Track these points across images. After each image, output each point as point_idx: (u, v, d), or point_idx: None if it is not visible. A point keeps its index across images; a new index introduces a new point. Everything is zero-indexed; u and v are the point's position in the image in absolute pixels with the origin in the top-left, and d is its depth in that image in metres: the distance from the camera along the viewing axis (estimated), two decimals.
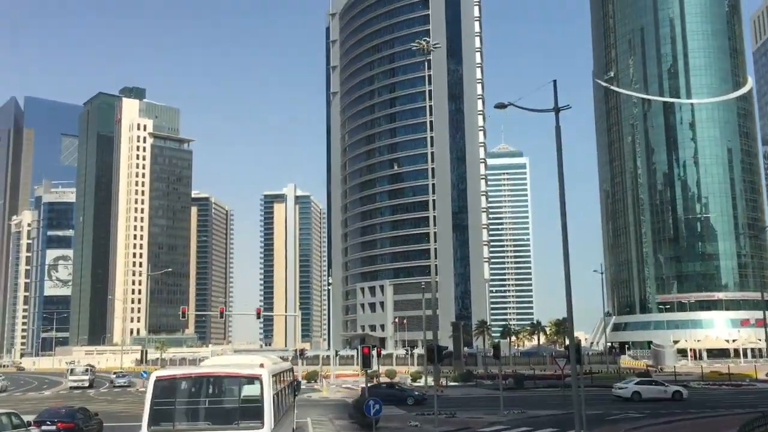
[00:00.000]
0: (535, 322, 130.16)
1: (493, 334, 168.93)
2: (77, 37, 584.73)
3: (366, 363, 33.32)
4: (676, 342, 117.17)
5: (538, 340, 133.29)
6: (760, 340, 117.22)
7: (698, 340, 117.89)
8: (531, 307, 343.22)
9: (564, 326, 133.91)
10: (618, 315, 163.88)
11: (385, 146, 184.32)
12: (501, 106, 26.06)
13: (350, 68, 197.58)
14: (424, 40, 57.36)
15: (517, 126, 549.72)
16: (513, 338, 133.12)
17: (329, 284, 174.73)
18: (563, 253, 24.68)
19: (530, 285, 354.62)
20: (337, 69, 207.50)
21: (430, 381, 60.63)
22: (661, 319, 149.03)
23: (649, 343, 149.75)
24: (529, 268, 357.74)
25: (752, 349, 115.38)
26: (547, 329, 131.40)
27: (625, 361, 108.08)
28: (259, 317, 70.50)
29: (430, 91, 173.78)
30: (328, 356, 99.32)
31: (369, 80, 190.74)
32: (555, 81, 25.22)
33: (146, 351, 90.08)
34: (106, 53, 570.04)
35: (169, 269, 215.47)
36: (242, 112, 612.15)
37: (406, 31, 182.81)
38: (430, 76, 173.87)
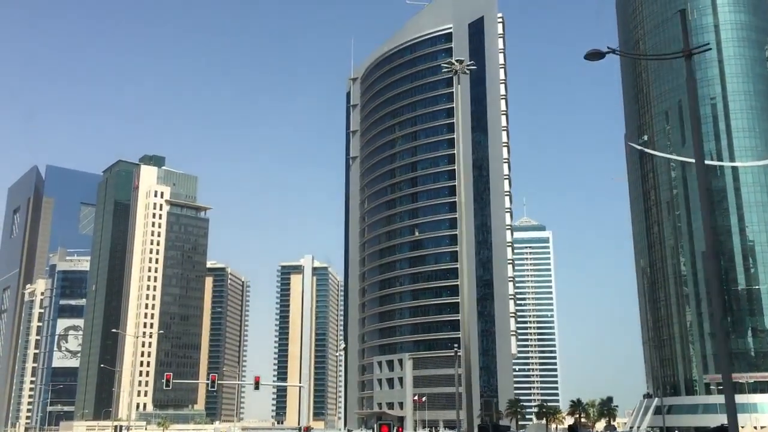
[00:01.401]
0: (575, 400, 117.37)
1: (526, 414, 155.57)
2: (100, 104, 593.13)
3: None
4: (742, 427, 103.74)
5: (579, 421, 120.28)
6: None
7: (763, 427, 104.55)
8: (556, 386, 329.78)
9: (609, 406, 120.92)
10: (662, 396, 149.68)
11: (406, 212, 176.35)
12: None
13: (370, 132, 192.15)
14: (457, 61, 48.96)
15: (538, 199, 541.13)
16: (547, 419, 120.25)
17: (340, 355, 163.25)
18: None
19: (555, 363, 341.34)
20: (357, 133, 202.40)
21: None
22: (710, 402, 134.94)
23: (698, 429, 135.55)
24: (554, 345, 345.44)
25: None
26: (590, 410, 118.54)
27: None
28: (257, 387, 60.98)
29: (452, 154, 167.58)
30: None
31: (390, 144, 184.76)
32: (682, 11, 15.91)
33: (121, 428, 79.06)
34: (128, 120, 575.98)
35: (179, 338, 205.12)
36: (261, 179, 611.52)
37: (428, 94, 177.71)
38: (452, 139, 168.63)
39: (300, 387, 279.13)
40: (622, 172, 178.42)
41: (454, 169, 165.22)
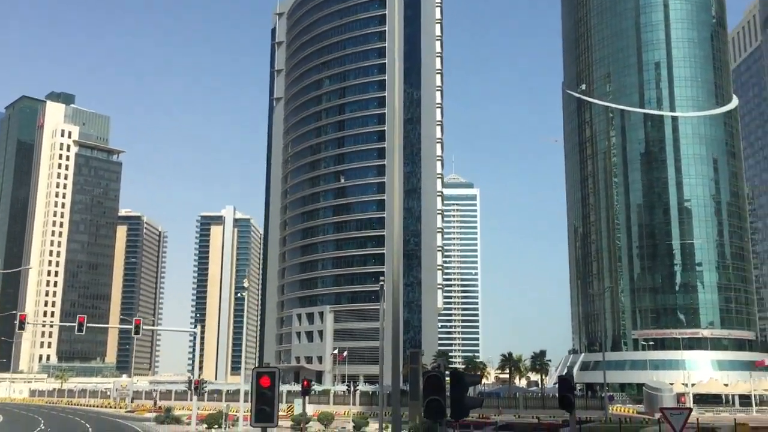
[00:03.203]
0: (506, 354, 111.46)
1: (452, 368, 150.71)
2: (3, 38, 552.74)
3: None
4: (671, 384, 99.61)
5: (510, 376, 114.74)
6: None
7: (693, 384, 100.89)
8: (477, 342, 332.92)
9: (541, 360, 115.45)
10: (587, 352, 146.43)
11: (332, 157, 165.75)
12: None
13: (296, 72, 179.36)
14: None
15: (468, 156, 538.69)
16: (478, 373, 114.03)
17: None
18: None
19: (477, 319, 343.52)
20: (282, 73, 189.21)
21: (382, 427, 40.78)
22: (638, 358, 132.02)
23: (623, 385, 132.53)
24: (476, 301, 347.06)
25: (753, 397, 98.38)
26: (521, 365, 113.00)
27: (614, 407, 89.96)
28: (137, 332, 50.57)
29: (382, 97, 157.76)
30: (240, 391, 77.47)
31: (316, 85, 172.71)
32: None
33: None
34: (35, 56, 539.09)
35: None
36: (180, 124, 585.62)
37: (360, 32, 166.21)
38: (383, 81, 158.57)
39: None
40: (559, 127, 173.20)
41: (384, 113, 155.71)
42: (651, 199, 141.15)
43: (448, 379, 14.77)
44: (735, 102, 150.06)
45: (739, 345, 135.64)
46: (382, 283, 57.87)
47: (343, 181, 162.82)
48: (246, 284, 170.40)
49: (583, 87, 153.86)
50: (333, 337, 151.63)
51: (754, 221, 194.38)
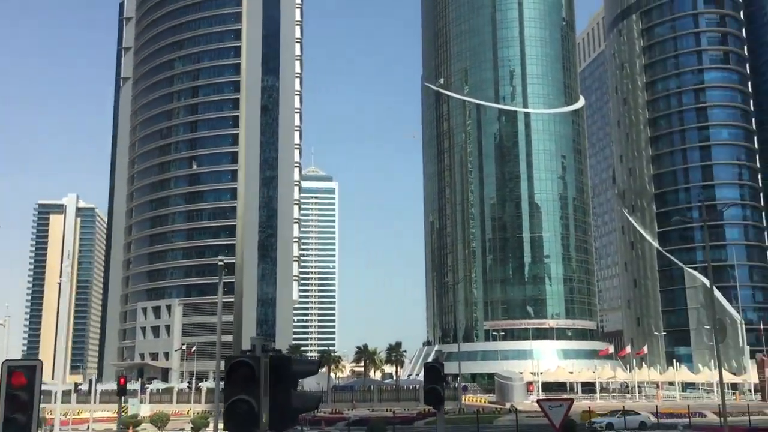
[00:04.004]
0: (361, 346, 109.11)
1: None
2: None
3: None
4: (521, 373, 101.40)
5: (366, 369, 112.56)
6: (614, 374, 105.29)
7: (541, 373, 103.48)
8: (334, 335, 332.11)
9: (397, 352, 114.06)
10: (441, 344, 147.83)
11: (184, 142, 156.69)
12: None
13: (146, 50, 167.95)
14: None
15: (328, 149, 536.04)
16: (329, 367, 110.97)
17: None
18: None
19: (334, 312, 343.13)
20: (131, 51, 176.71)
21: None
22: (490, 348, 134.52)
23: (474, 375, 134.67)
24: (334, 294, 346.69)
25: (601, 384, 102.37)
26: (376, 357, 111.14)
27: (469, 398, 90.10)
28: None
29: (238, 81, 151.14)
30: (72, 391, 69.83)
31: (168, 65, 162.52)
32: None
33: None
34: None
35: None
36: (19, 104, 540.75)
37: (216, 11, 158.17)
38: (240, 64, 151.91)
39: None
40: (418, 121, 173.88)
41: (239, 98, 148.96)
42: (504, 192, 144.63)
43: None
44: (582, 102, 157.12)
45: (583, 334, 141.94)
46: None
47: (195, 167, 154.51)
48: (66, 273, 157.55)
49: (442, 81, 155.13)
50: (181, 331, 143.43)
51: (594, 218, 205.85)
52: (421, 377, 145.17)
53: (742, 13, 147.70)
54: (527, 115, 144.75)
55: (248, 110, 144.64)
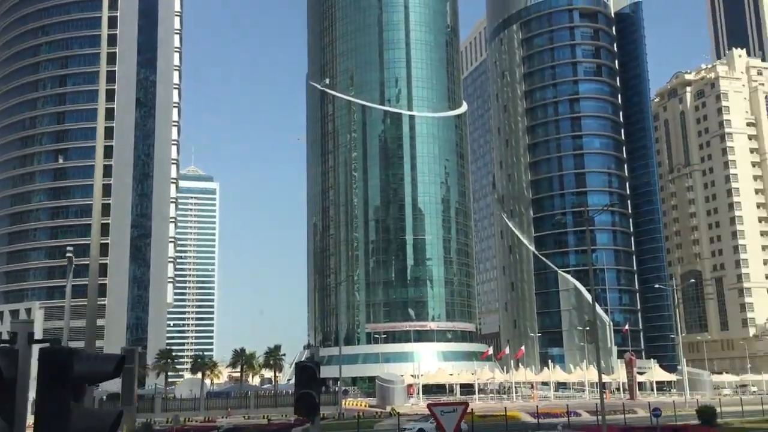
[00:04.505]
0: (239, 349, 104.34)
1: (178, 368, 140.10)
2: None
3: None
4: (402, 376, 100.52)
5: (242, 373, 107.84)
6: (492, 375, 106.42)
7: (421, 375, 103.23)
8: (212, 339, 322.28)
9: (276, 356, 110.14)
10: (322, 347, 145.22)
11: (50, 134, 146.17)
12: None
13: (8, 34, 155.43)
14: None
15: (210, 149, 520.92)
16: (203, 373, 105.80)
17: None
18: None
19: (212, 316, 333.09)
20: None
21: None
22: (371, 351, 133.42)
23: (355, 379, 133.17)
24: (212, 298, 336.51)
25: (477, 385, 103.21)
26: (254, 361, 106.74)
27: (348, 402, 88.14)
28: None
29: (112, 71, 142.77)
30: None
31: (33, 50, 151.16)
32: None
33: None
34: None
35: None
36: None
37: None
38: (113, 54, 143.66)
39: None
40: (304, 121, 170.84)
41: (114, 89, 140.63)
42: (388, 194, 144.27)
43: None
44: (465, 107, 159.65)
45: (462, 337, 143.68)
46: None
47: (62, 161, 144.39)
48: None
49: (327, 81, 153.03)
50: (43, 337, 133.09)
51: (475, 222, 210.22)
52: None
53: (614, 28, 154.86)
54: (412, 118, 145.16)
55: (121, 102, 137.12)
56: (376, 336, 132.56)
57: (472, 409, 62.47)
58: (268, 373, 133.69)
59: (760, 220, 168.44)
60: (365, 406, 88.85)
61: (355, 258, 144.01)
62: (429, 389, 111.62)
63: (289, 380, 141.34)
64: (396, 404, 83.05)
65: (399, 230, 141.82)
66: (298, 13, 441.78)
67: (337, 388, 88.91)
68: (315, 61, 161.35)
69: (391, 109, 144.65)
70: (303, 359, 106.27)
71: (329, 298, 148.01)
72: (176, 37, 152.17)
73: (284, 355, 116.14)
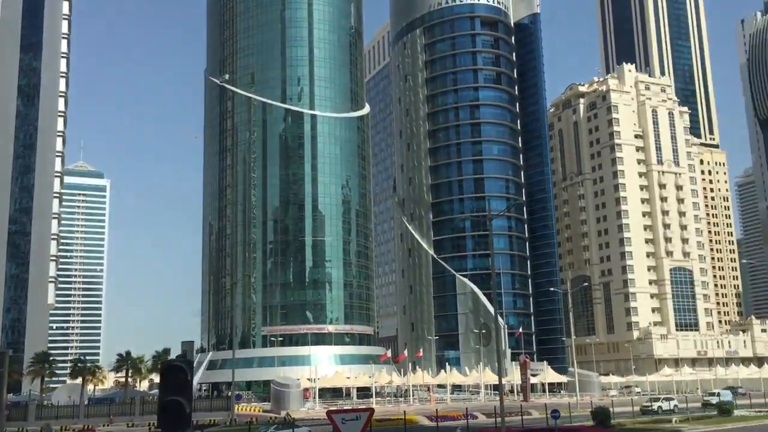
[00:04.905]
0: (124, 353, 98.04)
1: (59, 373, 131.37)
2: None
3: None
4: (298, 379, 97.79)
5: (127, 378, 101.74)
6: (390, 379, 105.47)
7: (318, 378, 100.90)
8: (98, 343, 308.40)
9: (165, 359, 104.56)
10: (215, 351, 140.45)
11: None
12: None
13: None
14: None
15: (98, 143, 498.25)
16: (83, 378, 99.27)
17: None
18: None
19: (99, 318, 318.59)
20: None
21: None
22: (267, 354, 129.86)
23: (250, 383, 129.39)
24: (100, 299, 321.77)
25: (375, 389, 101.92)
26: (141, 365, 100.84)
27: (241, 407, 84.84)
28: None
29: None
30: None
31: None
32: None
33: None
34: None
35: None
36: None
37: None
38: None
39: None
40: (202, 117, 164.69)
41: None
42: (287, 194, 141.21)
43: None
44: (368, 108, 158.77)
45: (360, 340, 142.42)
46: None
47: None
48: None
49: (227, 76, 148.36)
50: None
51: (375, 226, 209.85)
52: (193, 387, 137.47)
53: (513, 38, 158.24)
54: (314, 117, 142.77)
55: (1, 90, 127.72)
56: (273, 339, 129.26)
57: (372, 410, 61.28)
58: (157, 378, 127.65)
59: (645, 228, 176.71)
60: (259, 411, 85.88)
61: (253, 259, 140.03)
62: (326, 393, 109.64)
63: None
64: (291, 409, 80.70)
65: (298, 231, 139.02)
66: (197, 4, 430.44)
67: (229, 393, 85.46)
68: (214, 56, 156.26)
69: (292, 108, 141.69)
70: (194, 365, 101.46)
71: (225, 300, 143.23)
72: (64, 23, 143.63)
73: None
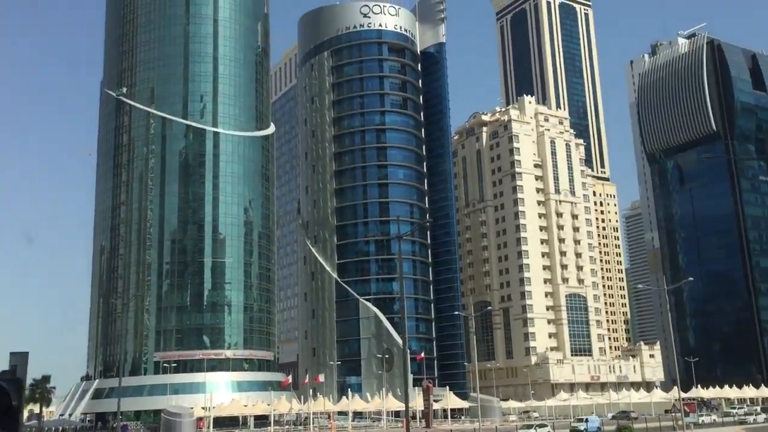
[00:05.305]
0: None
1: None
2: None
3: None
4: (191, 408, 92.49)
5: None
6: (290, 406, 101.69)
7: (213, 407, 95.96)
8: None
9: (43, 388, 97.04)
10: (103, 378, 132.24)
11: None
12: None
13: None
14: None
15: None
16: None
17: None
18: None
19: None
20: None
21: None
22: (158, 382, 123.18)
23: (139, 413, 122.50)
24: None
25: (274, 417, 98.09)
26: None
27: None
28: None
29: None
30: None
31: None
32: None
33: None
34: None
35: None
36: None
37: None
38: None
39: None
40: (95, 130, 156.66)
41: None
42: (186, 214, 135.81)
43: None
44: (273, 128, 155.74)
45: (260, 365, 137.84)
46: None
47: None
48: None
49: (125, 90, 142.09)
50: None
51: (278, 249, 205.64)
52: (76, 417, 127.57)
53: (420, 65, 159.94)
54: (216, 135, 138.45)
55: None
56: (166, 365, 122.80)
57: None
58: (36, 408, 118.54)
59: (543, 255, 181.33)
60: None
61: (147, 281, 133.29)
62: (222, 422, 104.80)
63: (62, 415, 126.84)
64: None
65: (197, 252, 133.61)
66: (96, 15, 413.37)
67: (114, 425, 79.79)
68: (112, 67, 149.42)
69: (194, 124, 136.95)
70: (79, 393, 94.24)
71: (114, 324, 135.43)
72: None
73: (54, 388, 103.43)
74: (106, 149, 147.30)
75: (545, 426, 68.16)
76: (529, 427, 68.42)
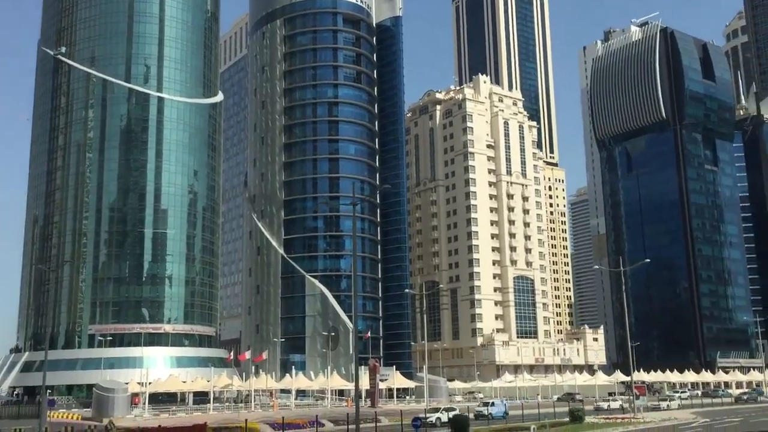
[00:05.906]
0: None
1: None
2: None
3: None
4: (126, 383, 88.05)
5: None
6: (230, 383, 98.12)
7: (150, 383, 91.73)
8: None
9: None
10: (33, 351, 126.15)
11: None
12: None
13: None
14: None
15: None
16: None
17: None
18: None
19: None
20: None
21: None
22: (93, 356, 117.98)
23: (71, 387, 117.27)
24: None
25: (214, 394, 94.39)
26: None
27: (56, 414, 74.63)
28: None
29: None
30: None
31: None
32: None
33: None
34: None
35: None
36: None
37: None
38: None
39: None
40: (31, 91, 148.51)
41: None
42: (127, 182, 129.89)
43: None
44: (221, 96, 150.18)
45: (200, 341, 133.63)
46: None
47: None
48: None
49: (63, 49, 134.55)
50: None
51: (224, 224, 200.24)
52: (4, 390, 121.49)
53: (375, 38, 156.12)
54: (161, 100, 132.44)
55: None
56: (101, 339, 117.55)
57: (206, 423, 54.67)
58: None
59: (493, 236, 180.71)
60: (78, 418, 76.17)
61: (83, 251, 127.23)
62: (158, 398, 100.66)
63: None
64: (116, 416, 71.94)
65: (137, 222, 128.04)
66: None
67: (39, 398, 75.20)
68: (50, 25, 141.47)
69: (137, 88, 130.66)
70: (7, 366, 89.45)
71: (47, 294, 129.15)
72: None
73: None
74: (42, 111, 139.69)
75: (453, 409, 66.76)
76: (437, 410, 67.07)
